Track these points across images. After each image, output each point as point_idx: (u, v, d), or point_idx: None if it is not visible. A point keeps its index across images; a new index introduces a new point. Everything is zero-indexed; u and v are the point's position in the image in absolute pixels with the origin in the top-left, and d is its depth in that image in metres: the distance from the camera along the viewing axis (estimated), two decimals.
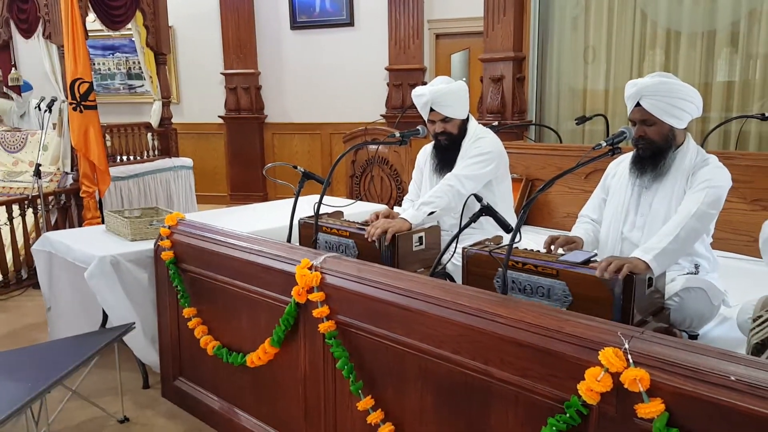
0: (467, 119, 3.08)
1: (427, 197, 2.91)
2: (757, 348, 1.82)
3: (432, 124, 3.03)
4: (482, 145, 2.99)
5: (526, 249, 2.35)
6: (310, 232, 2.87)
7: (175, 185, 6.40)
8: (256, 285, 2.41)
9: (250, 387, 2.56)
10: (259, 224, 3.52)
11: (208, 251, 2.65)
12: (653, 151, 2.40)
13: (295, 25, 7.79)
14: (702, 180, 2.31)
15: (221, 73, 8.07)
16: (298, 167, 2.97)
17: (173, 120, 6.68)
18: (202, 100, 8.32)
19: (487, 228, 2.92)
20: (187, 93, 8.43)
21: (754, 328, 1.86)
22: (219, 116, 8.16)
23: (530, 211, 4.16)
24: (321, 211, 2.87)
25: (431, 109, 2.96)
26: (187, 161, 6.64)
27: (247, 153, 8.14)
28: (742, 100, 4.64)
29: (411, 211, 2.85)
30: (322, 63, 7.73)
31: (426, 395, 1.88)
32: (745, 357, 1.43)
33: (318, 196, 2.86)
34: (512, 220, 2.67)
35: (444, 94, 2.93)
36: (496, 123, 4.79)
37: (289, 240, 2.81)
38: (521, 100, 5.41)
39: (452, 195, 2.88)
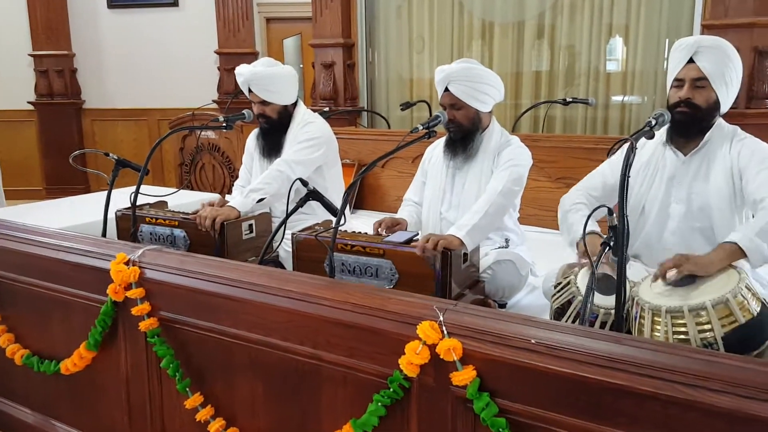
0: (295, 104, 3.06)
1: (256, 184, 2.86)
2: (557, 312, 2.01)
3: (253, 105, 2.98)
4: (311, 131, 3.00)
5: (354, 231, 2.40)
6: (128, 225, 2.70)
7: None
8: (67, 285, 2.21)
9: (67, 395, 2.36)
10: (74, 219, 3.25)
11: (8, 251, 2.38)
12: (463, 133, 2.55)
13: (113, 3, 7.22)
14: (506, 160, 2.50)
15: (29, 55, 7.28)
16: (111, 154, 2.76)
17: None
18: (7, 84, 7.43)
19: (318, 213, 2.92)
20: None
21: (554, 294, 2.05)
22: (28, 102, 7.37)
23: (364, 196, 4.27)
24: (142, 202, 2.71)
25: (250, 90, 2.91)
26: None
27: (63, 142, 7.41)
28: (549, 88, 5.08)
29: (239, 198, 2.79)
30: (145, 44, 7.24)
31: (257, 385, 1.86)
32: (545, 321, 1.56)
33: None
34: None
35: (263, 77, 2.89)
36: (327, 109, 4.82)
37: (104, 234, 2.61)
38: (353, 87, 5.49)
39: (282, 181, 2.84)
